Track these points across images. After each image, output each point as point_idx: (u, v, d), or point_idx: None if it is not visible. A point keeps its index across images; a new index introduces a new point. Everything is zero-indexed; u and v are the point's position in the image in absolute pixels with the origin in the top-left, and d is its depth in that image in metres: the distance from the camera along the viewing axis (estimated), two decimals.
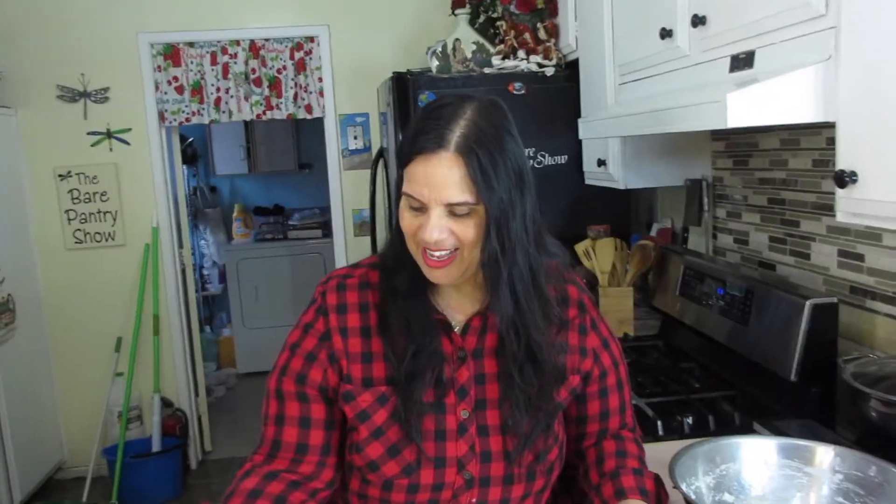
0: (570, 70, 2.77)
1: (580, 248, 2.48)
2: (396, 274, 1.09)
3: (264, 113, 3.75)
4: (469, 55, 2.91)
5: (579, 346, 1.16)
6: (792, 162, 1.92)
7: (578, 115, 2.58)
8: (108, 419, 3.80)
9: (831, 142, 1.72)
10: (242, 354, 5.38)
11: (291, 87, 3.74)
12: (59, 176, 3.71)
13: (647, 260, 2.42)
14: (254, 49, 3.70)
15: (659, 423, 1.61)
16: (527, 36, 2.85)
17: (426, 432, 1.07)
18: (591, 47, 2.48)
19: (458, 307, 1.12)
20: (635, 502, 1.09)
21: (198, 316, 4.35)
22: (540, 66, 2.80)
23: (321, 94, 3.76)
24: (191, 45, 3.69)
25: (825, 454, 1.17)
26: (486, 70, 2.85)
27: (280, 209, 5.89)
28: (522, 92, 2.76)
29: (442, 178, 0.98)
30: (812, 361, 1.55)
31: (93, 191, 3.74)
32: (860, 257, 1.68)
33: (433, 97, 2.72)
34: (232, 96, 3.72)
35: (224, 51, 3.69)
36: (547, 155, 2.80)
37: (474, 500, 1.08)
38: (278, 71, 3.73)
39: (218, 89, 3.71)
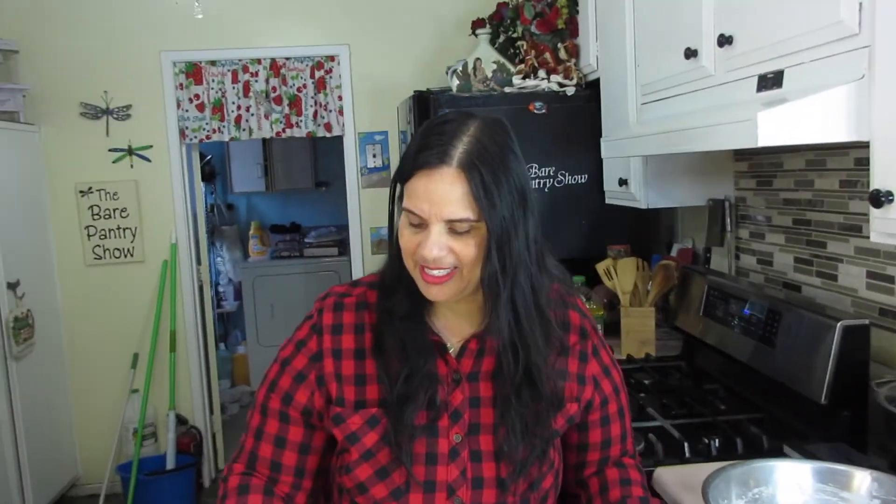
0: (590, 90, 2.77)
1: (601, 267, 2.46)
2: (394, 294, 1.08)
3: (284, 131, 3.78)
4: (489, 74, 2.92)
5: (578, 373, 1.13)
6: (818, 182, 1.90)
7: (599, 134, 2.57)
8: (123, 436, 3.80)
9: (860, 162, 1.71)
10: (257, 372, 5.36)
11: (311, 106, 3.77)
12: (80, 192, 3.74)
13: (669, 280, 2.40)
14: (275, 67, 3.74)
15: (686, 444, 1.58)
16: (547, 56, 2.86)
17: (417, 455, 1.05)
18: (612, 67, 2.48)
19: (454, 329, 1.11)
20: None
21: (213, 333, 4.35)
22: (560, 85, 2.80)
23: (341, 112, 3.79)
24: (213, 63, 3.73)
25: (863, 479, 1.14)
26: (507, 89, 2.86)
27: (297, 227, 5.90)
28: (543, 111, 2.76)
29: (443, 193, 0.96)
30: (842, 384, 1.52)
31: (113, 207, 3.77)
32: (890, 279, 1.66)
33: None
34: (252, 114, 3.75)
35: (245, 69, 3.73)
36: (567, 174, 2.80)
37: None
38: (298, 89, 3.76)
39: (238, 107, 3.74)
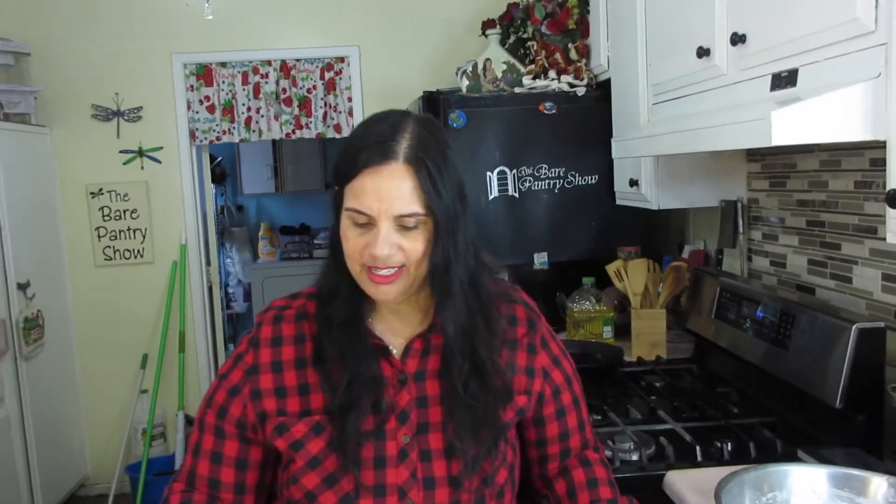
0: (601, 90, 2.76)
1: (611, 268, 2.44)
2: (332, 302, 1.07)
3: (294, 132, 3.78)
4: (499, 75, 2.91)
5: (527, 366, 1.13)
6: (832, 183, 1.88)
7: (609, 135, 2.56)
8: (132, 436, 3.80)
9: (875, 162, 1.69)
10: None
11: (321, 107, 3.77)
12: (91, 193, 3.75)
13: (680, 282, 2.37)
14: (285, 69, 3.74)
15: (697, 448, 1.56)
16: (558, 56, 2.84)
17: (365, 460, 1.03)
18: (623, 67, 2.46)
19: (398, 331, 1.11)
20: None
21: (223, 334, 4.36)
22: (571, 85, 2.79)
23: (350, 113, 3.79)
24: (223, 65, 3.73)
25: (879, 485, 1.12)
26: (517, 90, 2.85)
27: (306, 228, 5.91)
28: (553, 112, 2.75)
29: (392, 189, 0.96)
30: (857, 388, 1.49)
31: (123, 208, 3.78)
32: None
33: (463, 116, 2.72)
34: (262, 115, 3.75)
35: (255, 71, 3.74)
36: (577, 175, 2.78)
37: None
38: (308, 91, 3.76)
39: (249, 108, 3.75)
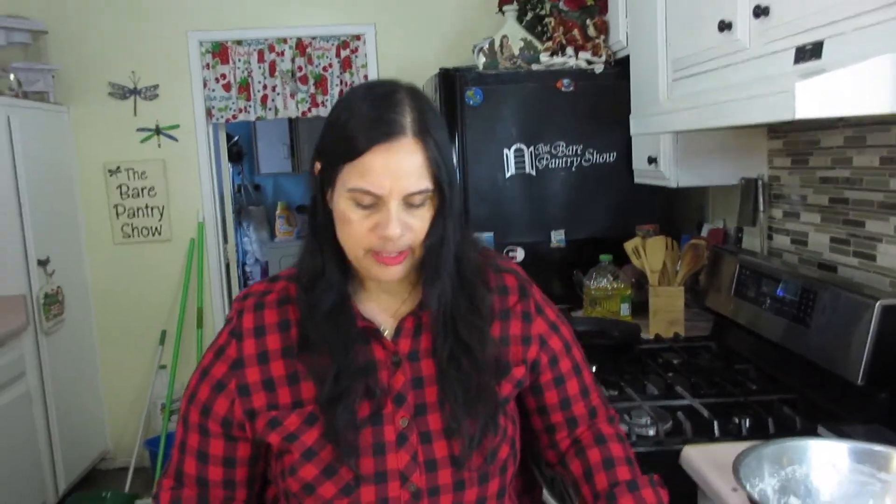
0: (619, 67, 2.72)
1: (629, 245, 2.43)
2: (314, 289, 1.02)
3: (310, 110, 3.77)
4: (516, 52, 2.89)
5: (522, 335, 1.10)
6: (857, 160, 1.85)
7: (628, 112, 2.53)
8: (151, 411, 3.86)
9: None
10: None
11: (337, 85, 3.76)
12: (109, 171, 3.78)
13: (698, 260, 2.36)
14: (300, 47, 3.72)
15: (715, 423, 1.56)
16: (575, 33, 2.81)
17: (363, 447, 0.99)
18: (642, 43, 2.43)
19: (388, 310, 1.07)
20: None
21: None
22: (589, 63, 2.76)
23: None
24: (239, 43, 3.72)
25: None
26: (534, 67, 2.82)
27: None
28: (571, 89, 2.72)
29: (405, 165, 0.92)
30: (881, 364, 1.48)
31: (141, 186, 3.80)
32: None
33: (480, 93, 2.70)
34: (278, 93, 3.75)
35: (271, 48, 3.72)
36: (595, 152, 2.76)
37: None
38: (324, 69, 3.75)
39: (265, 87, 3.74)
